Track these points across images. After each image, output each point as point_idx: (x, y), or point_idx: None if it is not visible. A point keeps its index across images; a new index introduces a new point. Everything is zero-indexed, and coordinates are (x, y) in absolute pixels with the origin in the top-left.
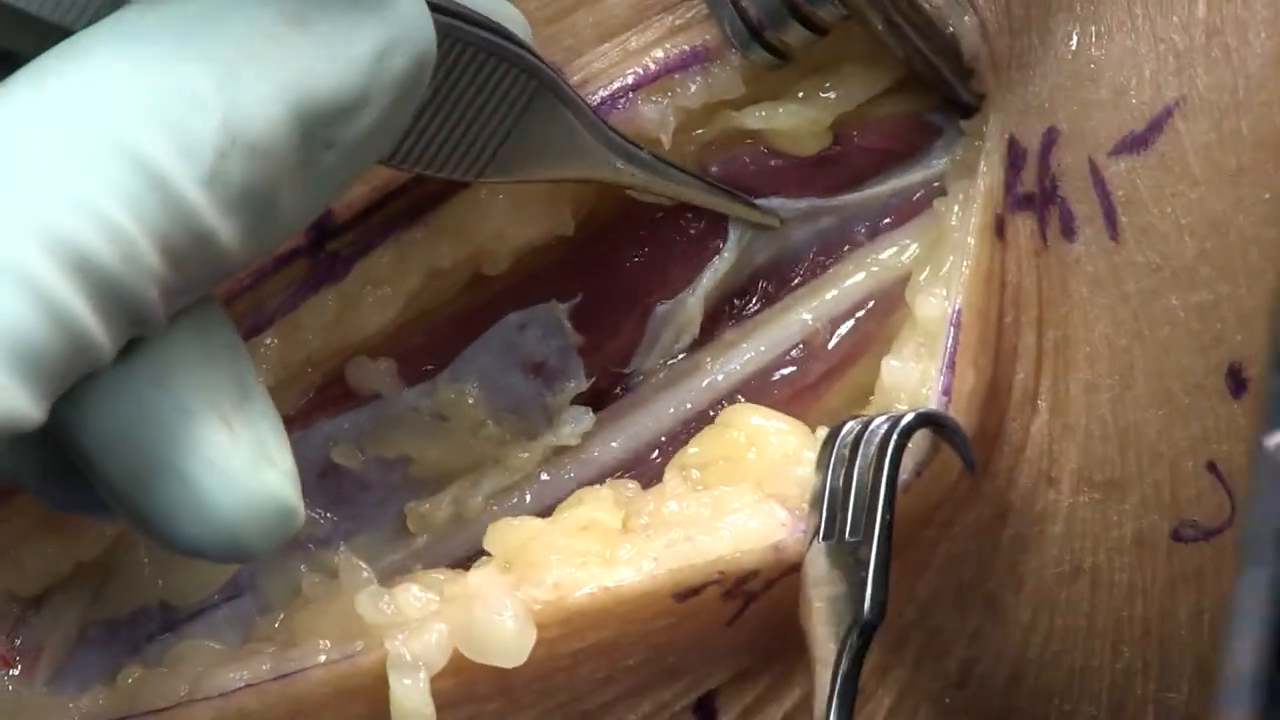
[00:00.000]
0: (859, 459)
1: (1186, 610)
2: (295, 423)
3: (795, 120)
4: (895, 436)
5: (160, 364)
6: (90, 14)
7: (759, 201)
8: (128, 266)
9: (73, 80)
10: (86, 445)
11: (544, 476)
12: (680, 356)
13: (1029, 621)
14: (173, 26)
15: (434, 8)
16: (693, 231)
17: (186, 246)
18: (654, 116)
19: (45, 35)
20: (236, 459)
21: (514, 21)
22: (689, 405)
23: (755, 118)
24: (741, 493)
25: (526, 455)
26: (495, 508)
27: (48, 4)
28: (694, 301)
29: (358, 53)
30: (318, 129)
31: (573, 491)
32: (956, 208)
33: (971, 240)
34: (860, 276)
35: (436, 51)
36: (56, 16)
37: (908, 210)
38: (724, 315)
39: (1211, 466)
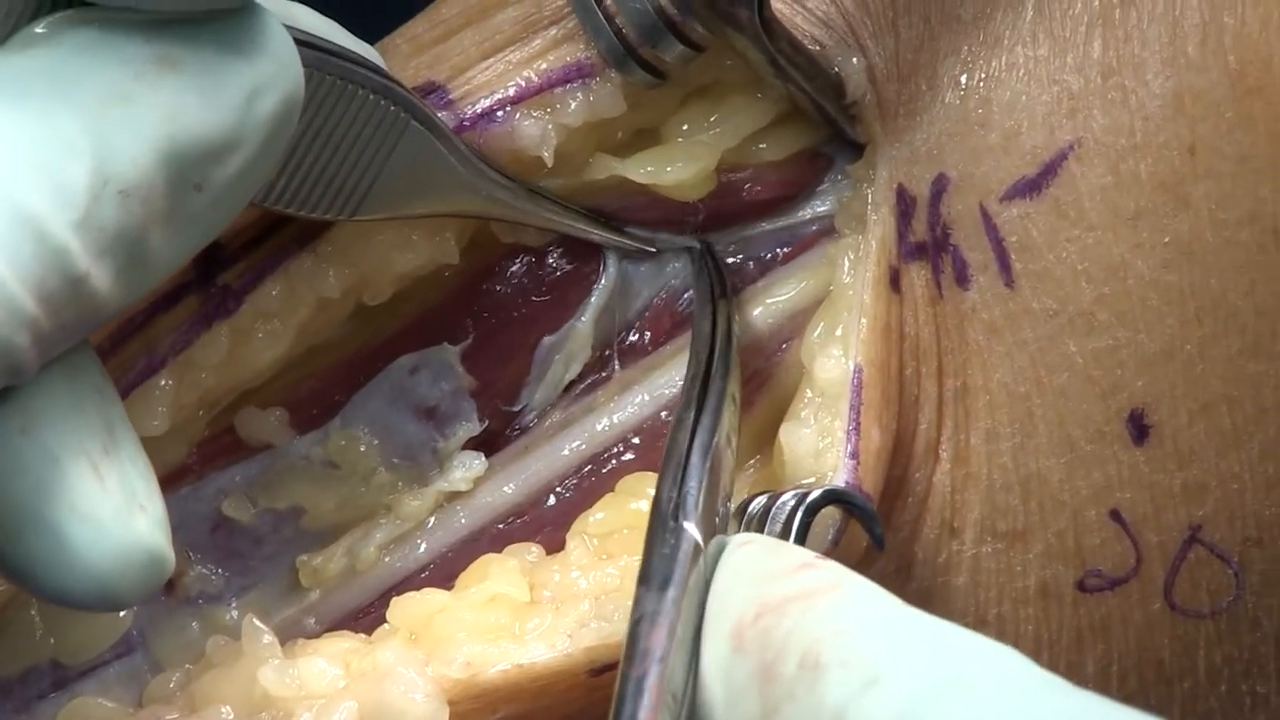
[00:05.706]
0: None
1: (1094, 662)
2: (186, 476)
3: (680, 176)
4: (800, 515)
5: (29, 412)
6: None
7: (640, 234)
8: (2, 315)
9: None
10: None
11: (436, 523)
12: (576, 393)
13: None
14: (44, 71)
15: (302, 44)
16: (570, 261)
17: (60, 292)
18: (534, 132)
19: None
20: (105, 507)
21: (377, 60)
22: (584, 447)
23: (641, 172)
24: None
25: (418, 503)
26: (388, 558)
27: None
28: (581, 328)
29: (228, 94)
30: (188, 171)
31: (466, 539)
32: (847, 263)
33: (867, 296)
34: (757, 313)
35: (305, 89)
36: None
37: (799, 246)
38: (617, 352)
39: (1115, 515)
